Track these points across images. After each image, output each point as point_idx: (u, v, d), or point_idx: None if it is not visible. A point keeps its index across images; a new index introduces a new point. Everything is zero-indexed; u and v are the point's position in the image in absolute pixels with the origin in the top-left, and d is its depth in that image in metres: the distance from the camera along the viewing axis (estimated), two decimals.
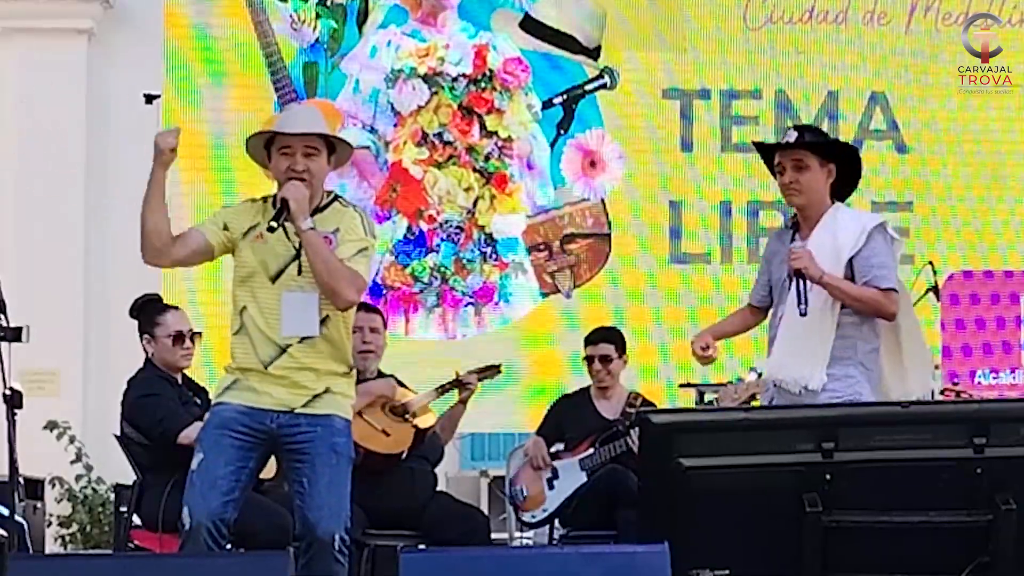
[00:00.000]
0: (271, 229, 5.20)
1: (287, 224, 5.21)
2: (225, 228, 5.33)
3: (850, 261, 5.68)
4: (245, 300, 5.30)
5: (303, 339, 5.24)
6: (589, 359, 7.59)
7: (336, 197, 5.44)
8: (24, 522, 7.72)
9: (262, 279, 5.28)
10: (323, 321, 5.27)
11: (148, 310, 6.69)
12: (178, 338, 6.59)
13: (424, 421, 6.95)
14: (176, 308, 6.79)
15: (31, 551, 7.54)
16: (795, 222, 5.85)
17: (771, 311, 5.87)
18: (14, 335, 5.77)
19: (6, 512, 6.80)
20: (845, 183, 5.85)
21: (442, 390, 7.10)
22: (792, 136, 5.81)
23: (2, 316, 5.75)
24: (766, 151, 5.90)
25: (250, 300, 5.28)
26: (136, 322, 6.71)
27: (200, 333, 6.80)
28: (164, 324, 6.61)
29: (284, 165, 5.27)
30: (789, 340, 5.71)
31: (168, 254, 5.32)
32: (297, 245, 5.24)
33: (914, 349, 5.81)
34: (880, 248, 5.71)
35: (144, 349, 6.66)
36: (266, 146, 5.36)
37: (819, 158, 5.75)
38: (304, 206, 5.20)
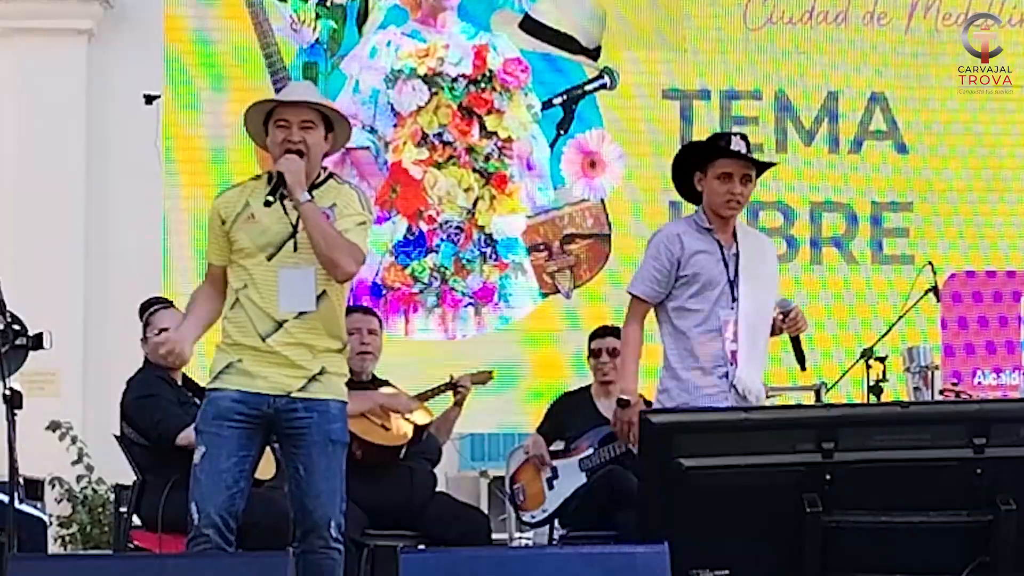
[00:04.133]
0: (267, 203, 5.21)
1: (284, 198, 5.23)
2: (223, 223, 5.34)
3: None
4: (243, 279, 5.30)
5: (299, 314, 5.24)
6: (595, 352, 7.54)
7: (332, 174, 5.45)
8: (45, 518, 7.75)
9: (258, 258, 5.27)
10: (319, 297, 5.27)
11: (145, 312, 6.69)
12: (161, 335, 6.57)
13: (421, 417, 6.96)
14: (168, 307, 6.76)
15: (47, 549, 7.57)
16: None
17: (694, 311, 5.83)
18: (35, 342, 5.79)
19: (29, 509, 6.83)
20: None
21: (435, 392, 7.11)
22: (741, 146, 5.80)
23: (10, 319, 5.77)
24: (742, 158, 5.86)
25: (247, 278, 5.28)
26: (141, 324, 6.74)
27: None
28: (152, 324, 6.61)
29: (280, 137, 5.29)
30: (751, 352, 5.77)
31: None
32: (294, 221, 5.24)
33: None
34: None
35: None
36: (265, 124, 5.37)
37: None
38: (300, 179, 5.21)
